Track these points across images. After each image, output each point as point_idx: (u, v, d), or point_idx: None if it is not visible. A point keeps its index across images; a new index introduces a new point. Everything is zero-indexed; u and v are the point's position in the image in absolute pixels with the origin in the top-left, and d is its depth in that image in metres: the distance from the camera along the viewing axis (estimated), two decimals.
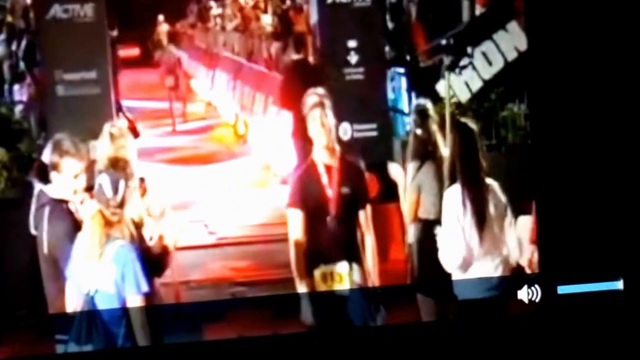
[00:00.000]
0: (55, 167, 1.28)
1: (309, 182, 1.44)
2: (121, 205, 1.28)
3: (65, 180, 1.28)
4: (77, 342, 1.27)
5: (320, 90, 1.44)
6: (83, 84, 1.31)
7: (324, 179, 1.43)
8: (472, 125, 1.39)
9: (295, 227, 1.43)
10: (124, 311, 1.28)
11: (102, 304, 1.27)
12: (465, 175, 1.41)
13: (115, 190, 1.26)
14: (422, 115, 1.40)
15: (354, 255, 1.46)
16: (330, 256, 1.44)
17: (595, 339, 1.31)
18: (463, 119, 1.41)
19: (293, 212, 1.43)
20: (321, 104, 1.42)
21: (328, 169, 1.43)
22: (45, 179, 1.31)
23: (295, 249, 1.42)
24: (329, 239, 1.44)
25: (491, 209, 1.42)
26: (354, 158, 1.48)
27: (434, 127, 1.40)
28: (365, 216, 1.47)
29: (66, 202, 1.31)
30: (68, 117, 1.32)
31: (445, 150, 1.42)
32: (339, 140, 1.48)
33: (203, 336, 1.31)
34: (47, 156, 1.30)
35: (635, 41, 1.28)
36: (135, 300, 1.27)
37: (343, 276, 1.42)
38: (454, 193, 1.43)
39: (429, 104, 1.38)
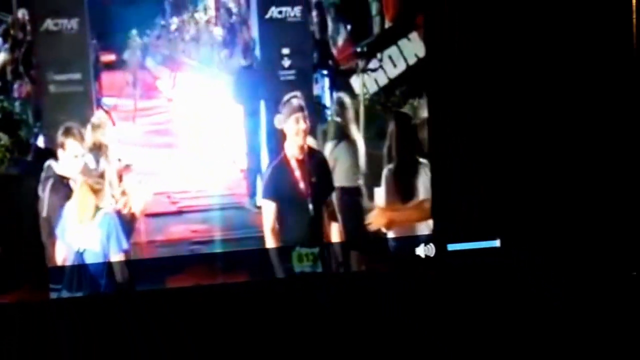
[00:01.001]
0: (62, 145, 1.43)
1: (283, 175, 1.53)
2: (102, 176, 1.47)
3: (68, 158, 1.44)
4: (69, 290, 1.47)
5: (299, 93, 1.52)
6: (70, 84, 1.47)
7: (297, 173, 1.53)
8: (409, 112, 1.53)
9: (269, 217, 1.53)
10: (106, 265, 1.48)
11: (89, 260, 1.47)
12: (400, 155, 1.54)
13: (97, 164, 1.46)
14: (341, 106, 1.55)
15: (323, 238, 1.55)
16: (306, 241, 1.54)
17: (478, 286, 1.52)
18: (402, 110, 1.54)
19: (267, 203, 1.53)
20: (301, 108, 1.52)
21: (299, 162, 1.53)
22: (44, 159, 1.46)
23: (271, 236, 1.53)
24: (304, 225, 1.54)
25: (420, 185, 1.54)
26: (316, 147, 1.56)
27: (350, 116, 1.54)
28: (330, 201, 1.55)
29: (68, 178, 1.46)
30: (58, 110, 1.46)
31: (356, 134, 1.54)
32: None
33: (166, 285, 1.49)
34: (55, 139, 1.46)
35: (510, 45, 1.49)
36: (116, 256, 1.47)
37: (317, 256, 1.52)
38: (390, 170, 1.54)
39: (346, 98, 1.54)
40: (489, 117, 1.50)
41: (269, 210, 1.53)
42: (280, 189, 1.54)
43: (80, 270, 1.48)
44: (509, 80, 1.50)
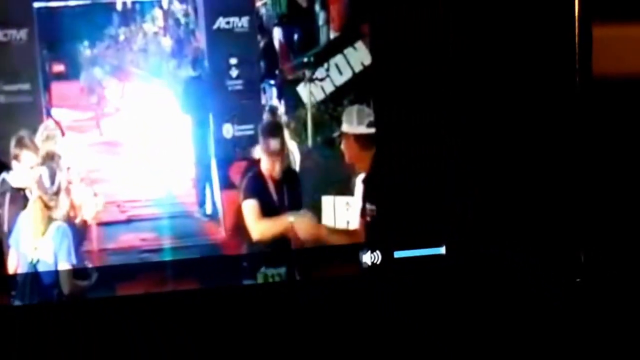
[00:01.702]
0: (16, 157, 1.44)
1: (257, 192, 1.53)
2: (57, 193, 1.48)
3: (23, 169, 1.45)
4: (22, 300, 1.49)
5: (274, 115, 1.51)
6: (19, 94, 1.49)
7: (274, 195, 1.53)
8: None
9: (253, 211, 1.53)
10: (58, 274, 1.50)
11: (42, 270, 1.50)
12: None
13: (53, 181, 1.48)
14: (272, 113, 1.54)
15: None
16: (272, 259, 1.55)
17: (423, 292, 1.54)
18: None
19: (248, 202, 1.53)
20: (278, 126, 1.52)
21: (274, 180, 1.52)
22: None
23: (258, 223, 1.53)
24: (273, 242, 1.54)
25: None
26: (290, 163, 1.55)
27: (284, 121, 1.54)
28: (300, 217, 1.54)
29: (24, 189, 1.47)
30: (8, 120, 1.48)
31: (291, 143, 1.54)
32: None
33: (117, 292, 1.51)
34: (7, 151, 1.46)
35: (455, 52, 1.52)
36: (68, 266, 1.49)
37: (283, 277, 1.54)
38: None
39: (280, 107, 1.54)
40: (433, 122, 1.53)
41: (250, 206, 1.55)
42: (256, 194, 1.55)
43: (33, 280, 1.50)
44: (453, 86, 1.53)
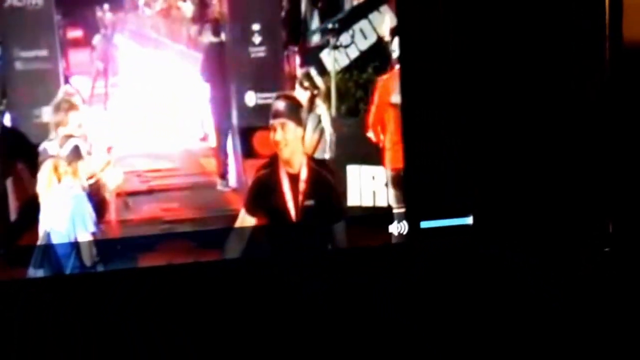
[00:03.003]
0: (61, 123, 1.44)
1: (268, 188, 1.44)
2: (70, 159, 1.47)
3: (70, 130, 1.45)
4: (34, 267, 1.48)
5: (294, 93, 1.47)
6: (37, 60, 1.47)
7: (286, 188, 1.43)
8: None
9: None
10: (74, 247, 1.49)
11: (56, 240, 1.48)
12: None
13: (63, 147, 1.47)
14: (308, 77, 1.53)
15: None
16: None
17: (449, 263, 1.54)
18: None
19: (248, 219, 1.46)
20: (286, 114, 1.46)
21: (292, 177, 1.43)
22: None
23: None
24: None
25: None
26: (325, 172, 1.50)
27: (319, 84, 1.53)
28: (339, 231, 1.47)
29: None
30: (25, 87, 1.47)
31: (322, 109, 1.51)
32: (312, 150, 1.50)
33: (138, 264, 1.51)
34: (48, 116, 1.45)
35: (482, 16, 1.51)
36: (84, 237, 1.47)
37: None
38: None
39: (312, 70, 1.52)
40: (460, 89, 1.52)
41: (246, 221, 1.49)
42: (264, 203, 1.49)
43: (46, 250, 1.49)
44: (482, 51, 1.52)
